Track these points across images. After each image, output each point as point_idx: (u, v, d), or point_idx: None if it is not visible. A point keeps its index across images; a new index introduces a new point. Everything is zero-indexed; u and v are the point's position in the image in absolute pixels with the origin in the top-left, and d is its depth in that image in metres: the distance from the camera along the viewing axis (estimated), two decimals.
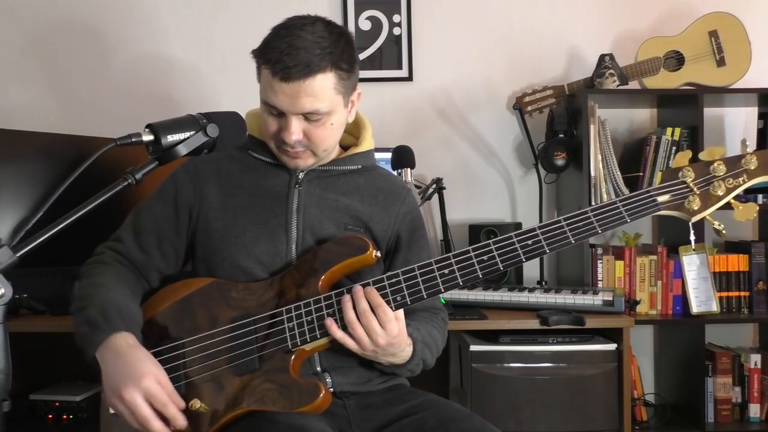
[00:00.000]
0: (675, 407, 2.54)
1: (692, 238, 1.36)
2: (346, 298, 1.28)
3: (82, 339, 1.29)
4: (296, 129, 1.36)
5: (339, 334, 1.27)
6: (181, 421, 1.22)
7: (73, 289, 1.38)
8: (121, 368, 1.22)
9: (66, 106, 2.73)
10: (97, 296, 1.32)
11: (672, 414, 2.51)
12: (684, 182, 1.30)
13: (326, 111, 1.36)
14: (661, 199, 1.29)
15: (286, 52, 1.30)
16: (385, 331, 1.26)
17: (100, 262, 1.42)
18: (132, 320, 1.31)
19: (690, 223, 1.32)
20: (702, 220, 1.31)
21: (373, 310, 1.26)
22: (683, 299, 2.44)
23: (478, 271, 1.27)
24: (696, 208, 1.29)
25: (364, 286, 1.30)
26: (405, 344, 1.32)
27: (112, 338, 1.26)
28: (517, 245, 1.27)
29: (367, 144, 1.53)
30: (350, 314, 1.26)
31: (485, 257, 1.28)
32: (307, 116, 1.35)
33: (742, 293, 2.51)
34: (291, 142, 1.37)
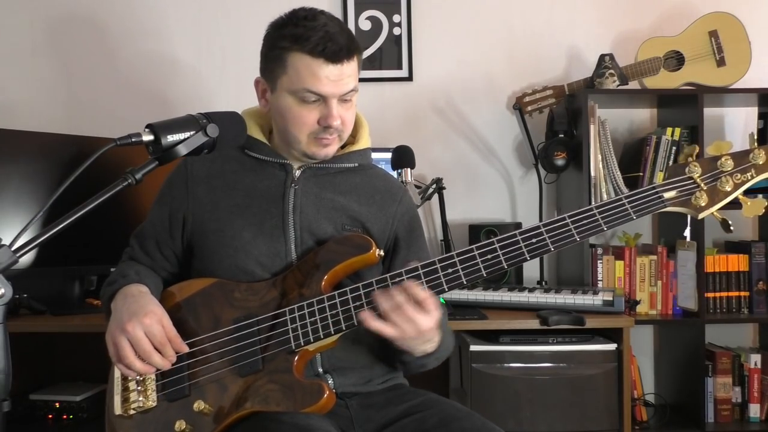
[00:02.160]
0: (675, 407, 2.54)
1: (687, 234, 1.32)
2: (378, 293, 1.24)
3: (103, 301, 1.41)
4: (337, 112, 1.38)
5: (376, 324, 1.23)
6: (173, 357, 1.29)
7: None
8: (129, 306, 1.30)
9: (66, 105, 2.73)
10: (117, 270, 1.46)
11: (672, 414, 2.51)
12: (691, 178, 1.26)
13: (357, 89, 1.41)
14: (667, 195, 1.25)
15: (327, 38, 1.33)
16: (429, 316, 1.23)
17: (121, 262, 1.53)
18: (145, 276, 1.42)
19: (688, 219, 1.29)
20: (702, 219, 1.29)
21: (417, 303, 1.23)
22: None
23: (482, 270, 1.26)
24: (703, 204, 1.24)
25: (392, 278, 1.28)
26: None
27: (125, 287, 1.37)
28: (521, 243, 1.25)
29: (364, 142, 1.53)
30: (386, 305, 1.22)
31: (489, 256, 1.26)
32: (344, 97, 1.38)
33: (742, 293, 2.51)
34: (336, 125, 1.38)
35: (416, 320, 1.23)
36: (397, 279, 1.28)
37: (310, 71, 1.34)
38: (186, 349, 1.31)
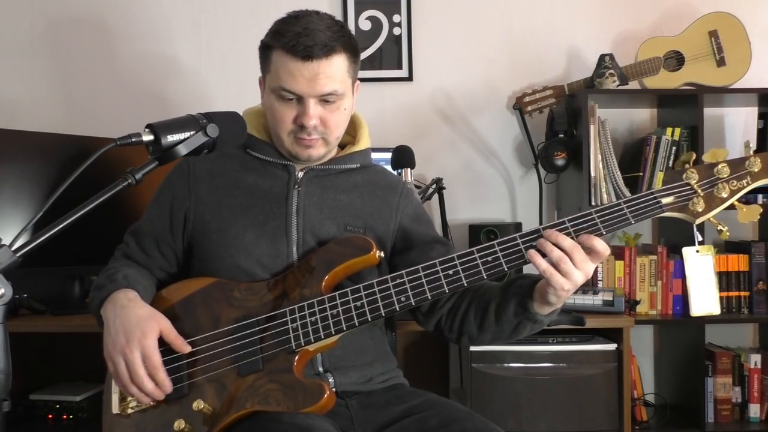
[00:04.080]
0: (675, 407, 2.54)
1: (697, 239, 1.35)
2: (542, 242, 1.22)
3: (92, 307, 1.39)
4: (314, 113, 1.37)
5: (544, 265, 1.21)
6: (168, 388, 1.27)
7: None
8: (122, 322, 1.28)
9: (66, 105, 2.72)
10: (105, 272, 1.43)
11: (672, 414, 2.51)
12: (688, 184, 1.28)
13: (341, 93, 1.38)
14: (665, 200, 1.28)
15: (303, 34, 1.32)
16: (594, 262, 1.23)
17: (113, 260, 1.50)
18: (134, 280, 1.38)
19: (693, 226, 1.31)
20: (703, 221, 1.30)
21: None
22: (683, 299, 2.44)
23: (483, 272, 1.27)
24: (700, 209, 1.27)
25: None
26: None
27: (113, 294, 1.34)
28: (522, 246, 1.26)
29: (364, 142, 1.54)
30: (556, 253, 1.21)
31: (489, 258, 1.27)
32: (325, 99, 1.37)
33: (742, 293, 2.51)
34: (310, 126, 1.37)
35: (586, 268, 1.21)
36: (398, 279, 1.29)
37: (286, 68, 1.34)
38: (189, 349, 1.30)
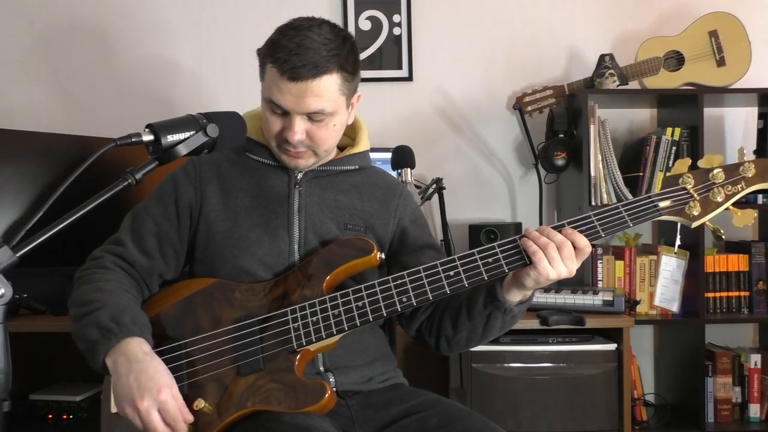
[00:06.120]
0: (675, 407, 2.54)
1: (678, 242, 1.40)
2: (531, 231, 1.28)
3: (90, 344, 1.27)
4: (300, 129, 1.36)
5: (533, 248, 1.25)
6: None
7: (72, 295, 1.35)
8: (138, 377, 1.21)
9: (66, 106, 2.73)
10: (104, 301, 1.30)
11: (672, 414, 2.52)
12: (684, 188, 1.32)
13: (330, 111, 1.36)
14: (662, 204, 1.31)
15: (295, 51, 1.30)
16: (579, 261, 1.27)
17: (102, 267, 1.39)
18: (144, 325, 1.30)
19: (678, 227, 1.34)
20: (701, 225, 1.33)
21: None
22: (684, 299, 2.45)
23: (484, 273, 1.28)
24: (696, 213, 1.31)
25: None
26: None
27: (125, 342, 1.25)
28: (521, 248, 1.27)
29: (363, 145, 1.54)
30: (543, 240, 1.25)
31: (490, 260, 1.28)
32: (311, 116, 1.36)
33: (742, 293, 2.51)
34: (294, 141, 1.37)
35: (570, 265, 1.25)
36: (400, 280, 1.29)
37: (275, 83, 1.33)
38: (191, 419, 1.25)
